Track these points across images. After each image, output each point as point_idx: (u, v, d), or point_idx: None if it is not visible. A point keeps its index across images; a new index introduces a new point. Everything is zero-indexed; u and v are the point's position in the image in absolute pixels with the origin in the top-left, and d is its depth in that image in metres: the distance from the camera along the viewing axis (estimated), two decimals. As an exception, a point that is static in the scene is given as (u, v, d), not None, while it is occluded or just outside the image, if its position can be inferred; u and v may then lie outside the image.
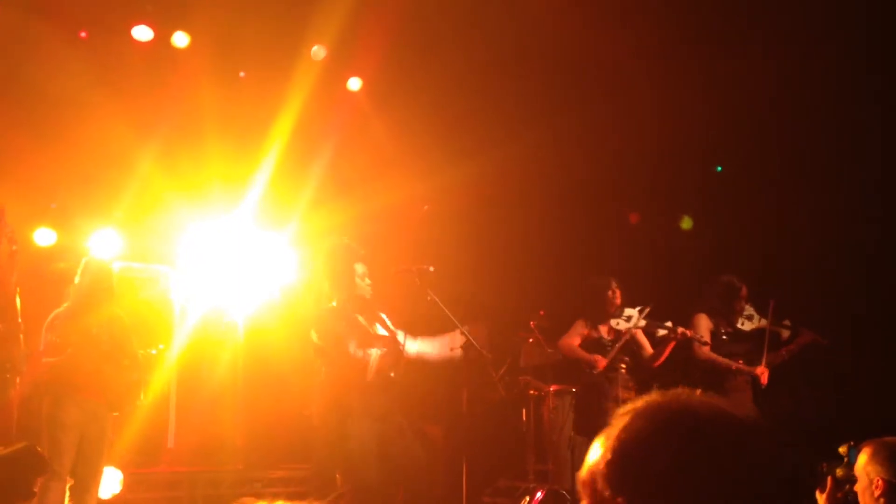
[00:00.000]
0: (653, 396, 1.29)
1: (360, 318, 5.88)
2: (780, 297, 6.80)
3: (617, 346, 6.54)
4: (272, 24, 7.78)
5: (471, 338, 6.23)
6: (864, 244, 7.63)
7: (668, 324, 6.45)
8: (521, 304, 7.76)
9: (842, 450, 3.45)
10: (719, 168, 8.99)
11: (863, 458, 3.28)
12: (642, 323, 6.42)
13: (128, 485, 6.36)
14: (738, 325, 6.67)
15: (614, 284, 6.67)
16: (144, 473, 6.90)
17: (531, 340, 7.41)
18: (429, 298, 6.19)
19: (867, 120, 7.61)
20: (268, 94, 7.84)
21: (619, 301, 6.64)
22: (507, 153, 7.95)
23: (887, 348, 7.30)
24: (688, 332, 6.40)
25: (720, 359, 6.50)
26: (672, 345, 6.45)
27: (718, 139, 8.40)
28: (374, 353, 5.68)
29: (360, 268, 5.91)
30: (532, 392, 7.46)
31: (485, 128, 8.21)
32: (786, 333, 6.74)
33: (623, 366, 6.55)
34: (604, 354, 6.49)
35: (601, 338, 6.59)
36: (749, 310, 6.67)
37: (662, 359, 6.53)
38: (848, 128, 7.77)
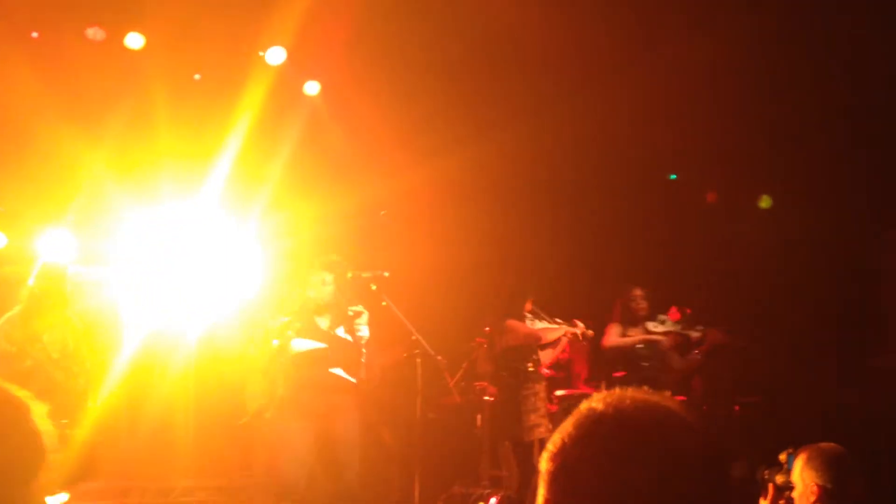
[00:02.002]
0: (591, 400, 1.30)
1: (317, 319, 5.91)
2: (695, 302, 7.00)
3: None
4: (228, 26, 7.70)
5: (424, 343, 6.25)
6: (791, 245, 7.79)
7: (558, 320, 6.64)
8: (477, 310, 7.77)
9: (781, 457, 3.51)
10: (673, 176, 9.10)
11: (798, 465, 3.34)
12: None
13: (76, 494, 6.24)
14: (651, 328, 6.87)
15: (530, 292, 6.86)
16: (94, 482, 6.78)
17: (486, 346, 7.42)
18: (383, 304, 6.20)
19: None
20: (223, 97, 7.77)
21: (529, 307, 6.76)
22: (463, 157, 7.96)
23: (820, 354, 7.43)
24: (568, 331, 6.57)
25: (624, 341, 6.69)
26: (559, 341, 6.63)
27: (675, 144, 8.49)
28: (313, 346, 5.74)
29: (323, 276, 5.97)
30: (487, 398, 7.47)
31: (442, 131, 8.22)
32: (696, 336, 6.91)
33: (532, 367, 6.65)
34: (512, 357, 6.59)
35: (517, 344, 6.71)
36: (661, 317, 6.87)
37: (555, 357, 6.71)
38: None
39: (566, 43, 7.57)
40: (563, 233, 8.63)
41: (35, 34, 7.39)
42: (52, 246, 6.40)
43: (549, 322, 6.79)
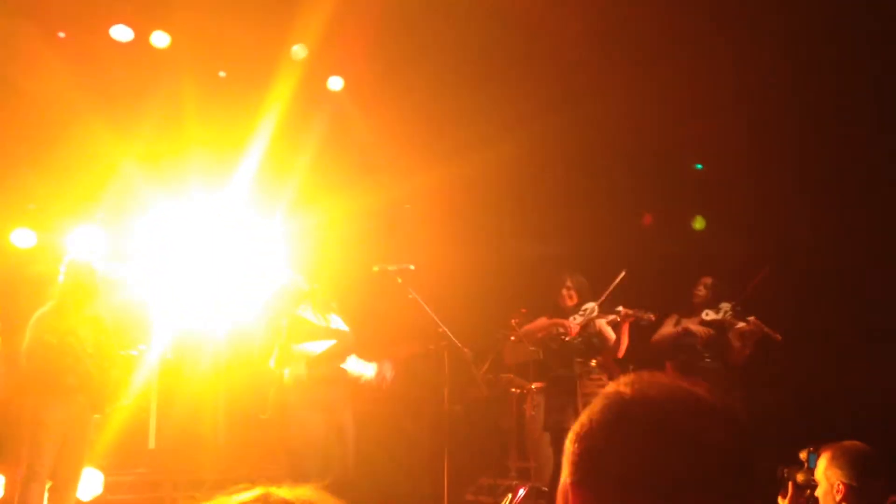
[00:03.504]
0: (618, 383, 1.30)
1: (310, 314, 5.93)
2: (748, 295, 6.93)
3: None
4: (253, 24, 7.75)
5: (451, 335, 6.27)
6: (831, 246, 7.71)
7: (619, 308, 6.54)
8: (503, 302, 7.78)
9: (802, 455, 3.49)
10: (699, 166, 9.05)
11: (823, 463, 3.33)
12: (595, 314, 6.48)
13: (109, 486, 6.34)
14: (703, 316, 6.82)
15: (569, 282, 6.72)
16: (125, 475, 6.88)
17: (513, 338, 7.43)
18: (410, 297, 6.23)
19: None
20: (249, 94, 7.82)
21: (575, 300, 6.68)
22: (489, 152, 7.96)
23: (845, 351, 7.35)
24: (629, 311, 6.49)
25: (665, 335, 6.63)
26: (625, 328, 6.53)
27: (699, 137, 8.45)
28: (325, 345, 5.78)
29: (287, 273, 6.01)
30: (514, 390, 7.49)
31: (467, 128, 8.22)
32: (745, 327, 6.84)
33: (594, 361, 6.59)
34: (569, 353, 6.52)
35: (563, 334, 6.62)
36: (724, 305, 6.79)
37: (623, 345, 6.60)
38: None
39: (592, 39, 7.55)
40: (592, 226, 8.60)
41: (62, 34, 7.48)
42: (82, 243, 6.49)
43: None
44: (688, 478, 1.18)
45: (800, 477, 3.42)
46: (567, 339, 6.55)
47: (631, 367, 6.87)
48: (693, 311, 6.94)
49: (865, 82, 7.44)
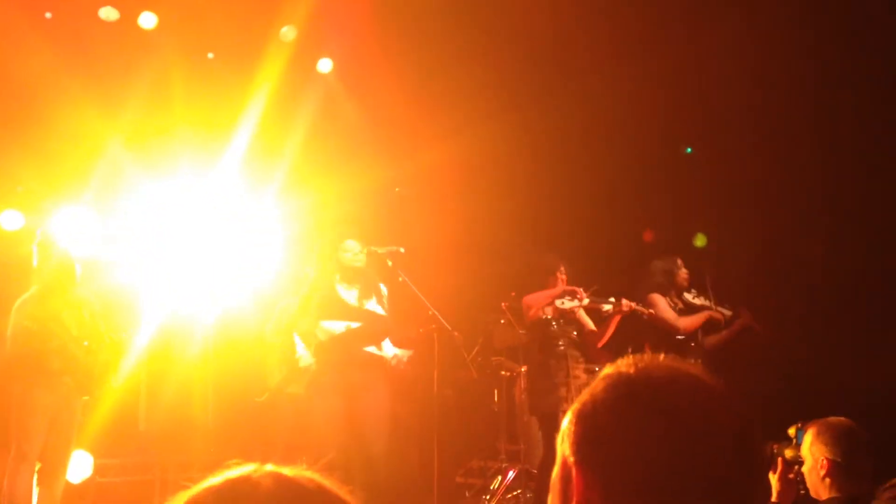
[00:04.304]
0: (618, 364, 1.30)
1: (342, 291, 5.91)
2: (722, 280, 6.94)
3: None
4: (241, 5, 7.70)
5: (441, 318, 6.28)
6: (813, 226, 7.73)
7: (612, 299, 6.52)
8: (493, 286, 7.78)
9: (790, 431, 3.50)
10: (689, 150, 9.06)
11: (808, 439, 3.34)
12: (586, 301, 6.47)
13: (98, 469, 6.33)
14: (690, 299, 6.81)
15: (563, 267, 6.72)
16: (115, 458, 6.87)
17: (503, 321, 7.44)
18: (399, 280, 6.23)
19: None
20: (237, 76, 7.78)
21: (565, 283, 6.69)
22: (480, 135, 7.95)
23: (831, 326, 7.37)
24: (632, 305, 6.48)
25: (697, 320, 6.61)
26: (617, 319, 6.52)
27: (685, 122, 8.45)
28: (344, 327, 5.75)
29: (351, 243, 5.98)
30: (504, 373, 7.50)
31: (457, 110, 8.20)
32: (726, 314, 6.85)
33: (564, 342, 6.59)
34: (551, 335, 6.52)
35: (548, 318, 6.60)
36: (693, 291, 6.80)
37: (608, 335, 6.60)
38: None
39: (586, 17, 7.53)
40: (583, 207, 8.59)
41: (49, 14, 7.40)
42: (65, 226, 6.44)
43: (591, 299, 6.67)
44: (694, 457, 1.18)
45: (788, 453, 3.43)
46: (555, 324, 6.53)
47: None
48: (678, 293, 6.87)
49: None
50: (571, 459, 1.25)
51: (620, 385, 1.26)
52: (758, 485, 1.26)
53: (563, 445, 1.27)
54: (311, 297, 5.83)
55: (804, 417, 3.52)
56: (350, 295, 5.97)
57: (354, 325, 5.83)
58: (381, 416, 5.83)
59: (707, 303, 6.77)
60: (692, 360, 6.17)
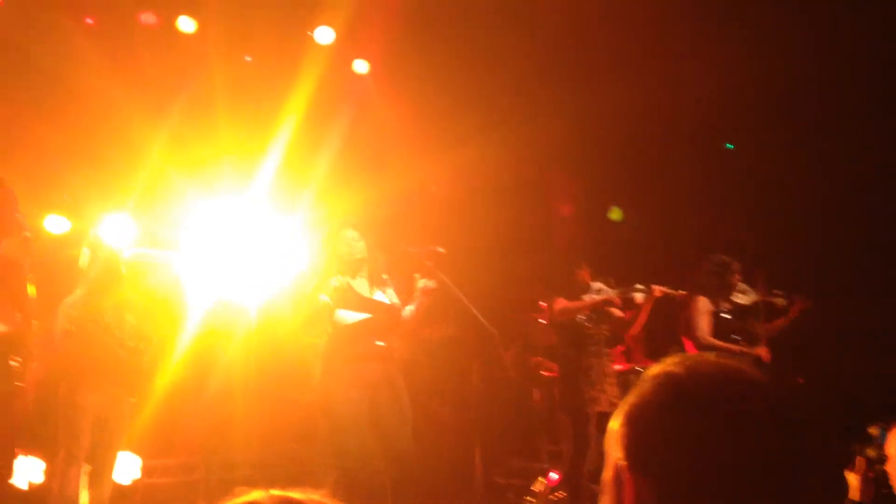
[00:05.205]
0: (667, 363, 1.29)
1: (354, 284, 5.89)
2: (771, 269, 6.82)
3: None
4: (277, 7, 7.76)
5: (479, 317, 6.26)
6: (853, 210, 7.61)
7: (641, 286, 6.45)
8: (531, 285, 7.76)
9: (873, 430, 3.46)
10: (730, 146, 8.98)
11: (892, 438, 3.30)
12: (612, 292, 6.41)
13: (146, 470, 6.41)
14: (736, 301, 6.70)
15: (583, 263, 6.70)
16: (162, 459, 6.95)
17: (541, 321, 7.42)
18: (438, 279, 6.22)
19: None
20: (275, 78, 7.83)
21: (588, 278, 6.65)
22: (516, 134, 7.93)
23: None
24: (664, 289, 6.40)
25: (720, 343, 6.46)
26: (649, 307, 6.45)
27: (723, 117, 8.37)
28: (358, 318, 5.74)
29: (349, 232, 5.94)
30: (543, 373, 7.48)
31: (493, 110, 8.19)
32: (780, 303, 6.73)
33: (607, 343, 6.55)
34: (584, 333, 6.49)
35: (574, 314, 6.58)
36: (742, 286, 6.68)
37: (641, 323, 6.53)
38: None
39: (615, 23, 7.49)
40: (617, 204, 8.55)
41: (90, 20, 7.51)
42: (112, 229, 6.53)
43: (619, 290, 6.63)
44: (747, 457, 1.17)
45: (870, 452, 3.39)
46: (587, 323, 6.50)
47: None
48: (714, 293, 6.75)
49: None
50: (623, 462, 1.25)
51: (669, 385, 1.25)
52: (821, 484, 1.24)
53: (614, 448, 1.27)
54: (319, 289, 5.79)
55: (886, 417, 3.48)
56: (360, 285, 5.93)
57: (363, 316, 5.80)
58: (402, 409, 5.79)
59: (757, 297, 6.65)
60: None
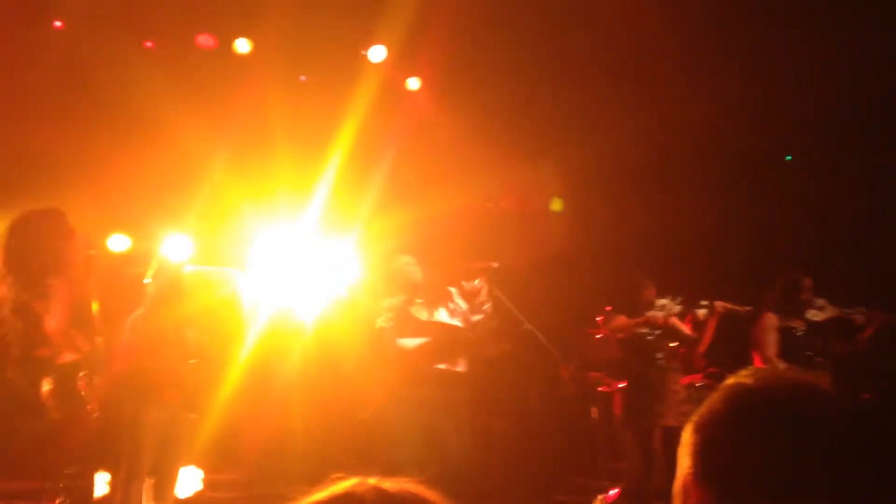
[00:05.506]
0: (740, 375, 1.27)
1: (412, 309, 5.90)
2: (854, 286, 6.67)
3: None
4: (330, 27, 7.86)
5: (537, 333, 6.22)
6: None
7: (705, 302, 6.37)
8: (587, 300, 7.70)
9: None
10: (788, 157, 8.86)
11: None
12: (677, 309, 6.34)
13: (207, 484, 6.48)
14: (810, 318, 6.54)
15: (648, 279, 6.65)
16: (223, 473, 7.02)
17: (599, 336, 7.35)
18: (494, 295, 6.20)
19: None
20: (329, 97, 7.92)
21: (652, 295, 6.57)
22: (571, 151, 7.92)
23: None
24: (727, 305, 6.31)
25: (783, 363, 6.33)
26: (714, 322, 6.36)
27: (787, 129, 8.26)
28: (417, 343, 5.74)
29: (404, 258, 5.98)
30: (602, 388, 7.40)
31: (550, 126, 8.19)
32: (859, 319, 6.56)
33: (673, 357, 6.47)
34: (648, 347, 6.43)
35: (638, 330, 6.51)
36: (819, 301, 6.53)
37: (707, 339, 6.44)
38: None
39: (679, 29, 7.45)
40: (676, 221, 8.47)
41: (149, 44, 7.69)
42: (172, 247, 6.64)
43: (683, 307, 6.55)
44: (820, 471, 1.14)
45: None
46: (651, 336, 6.46)
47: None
48: (783, 309, 6.61)
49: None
50: (691, 473, 1.23)
51: (741, 397, 1.23)
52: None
53: (683, 458, 1.25)
54: (376, 315, 5.83)
55: None
56: (418, 310, 5.93)
57: (421, 340, 5.80)
58: (460, 429, 5.77)
59: (833, 313, 6.50)
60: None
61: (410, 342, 5.78)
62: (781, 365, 6.27)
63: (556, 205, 8.58)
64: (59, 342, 4.83)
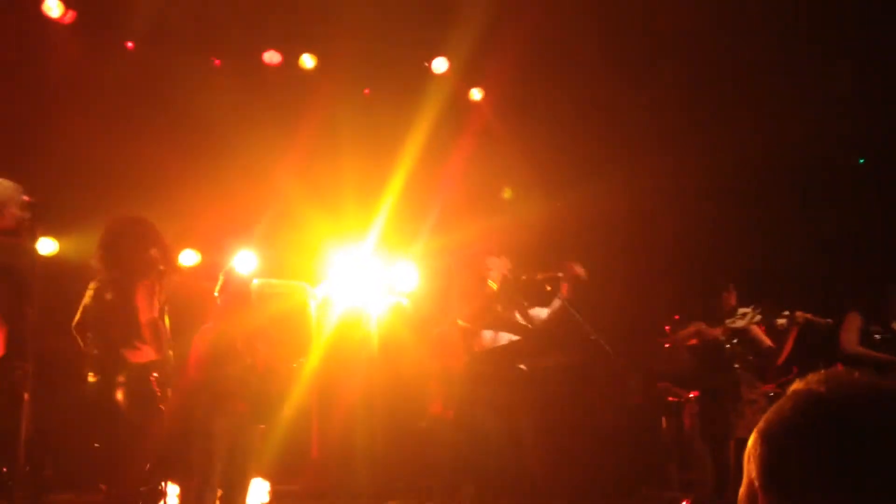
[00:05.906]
0: (808, 380, 1.23)
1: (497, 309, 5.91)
2: None
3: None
4: (392, 41, 7.92)
5: (604, 343, 6.16)
6: None
7: (786, 313, 6.23)
8: (655, 310, 7.60)
9: None
10: (862, 160, 8.64)
11: None
12: (758, 318, 6.21)
13: (275, 495, 6.53)
14: (894, 328, 6.40)
15: (731, 286, 6.52)
16: (290, 485, 7.08)
17: (668, 346, 7.25)
18: (558, 304, 6.16)
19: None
20: (394, 109, 7.98)
21: (733, 302, 6.46)
22: (640, 162, 7.86)
23: None
24: (808, 316, 6.17)
25: (869, 352, 6.21)
26: (795, 333, 6.22)
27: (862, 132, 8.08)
28: (506, 339, 5.74)
29: (490, 260, 6.00)
30: (671, 399, 7.30)
31: (616, 138, 8.13)
32: None
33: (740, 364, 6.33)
34: (725, 357, 6.31)
35: (716, 338, 6.39)
36: None
37: (787, 351, 6.30)
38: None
39: (739, 56, 7.35)
40: (751, 230, 8.33)
41: (217, 62, 7.86)
42: (242, 261, 6.75)
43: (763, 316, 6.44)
44: (885, 482, 1.11)
45: None
46: (729, 345, 6.35)
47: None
48: (869, 314, 6.50)
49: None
50: (757, 482, 1.20)
51: (811, 404, 1.19)
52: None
53: (749, 466, 1.22)
54: (456, 315, 5.84)
55: None
56: (500, 311, 5.94)
57: (513, 337, 5.81)
58: (538, 431, 5.76)
59: None
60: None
61: (490, 340, 5.79)
62: (865, 353, 6.18)
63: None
64: (148, 336, 4.99)
